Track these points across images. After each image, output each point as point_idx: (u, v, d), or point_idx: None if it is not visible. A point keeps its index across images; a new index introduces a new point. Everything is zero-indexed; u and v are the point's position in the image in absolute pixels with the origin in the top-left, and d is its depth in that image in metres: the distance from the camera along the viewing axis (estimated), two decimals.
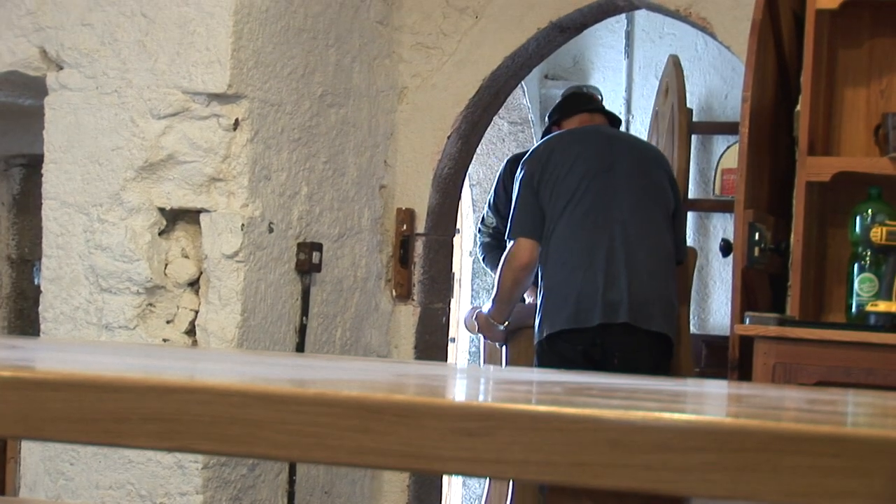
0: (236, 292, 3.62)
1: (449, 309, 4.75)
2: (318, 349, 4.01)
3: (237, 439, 1.03)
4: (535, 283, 4.38)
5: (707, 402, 1.49)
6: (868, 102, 3.93)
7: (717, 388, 1.86)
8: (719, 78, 6.53)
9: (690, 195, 6.31)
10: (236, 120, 3.64)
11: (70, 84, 3.75)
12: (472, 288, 6.90)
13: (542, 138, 4.66)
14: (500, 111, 5.59)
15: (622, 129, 5.52)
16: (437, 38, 4.42)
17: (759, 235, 3.63)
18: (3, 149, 4.62)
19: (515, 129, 6.90)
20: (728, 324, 3.85)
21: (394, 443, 0.99)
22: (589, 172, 4.25)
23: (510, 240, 4.35)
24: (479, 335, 5.10)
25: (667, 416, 0.95)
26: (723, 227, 6.46)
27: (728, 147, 6.43)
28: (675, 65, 6.00)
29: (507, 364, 4.86)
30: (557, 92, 6.54)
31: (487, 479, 5.25)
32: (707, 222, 6.59)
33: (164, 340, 3.64)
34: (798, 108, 3.83)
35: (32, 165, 4.44)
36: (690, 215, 6.36)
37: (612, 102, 6.48)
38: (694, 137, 6.29)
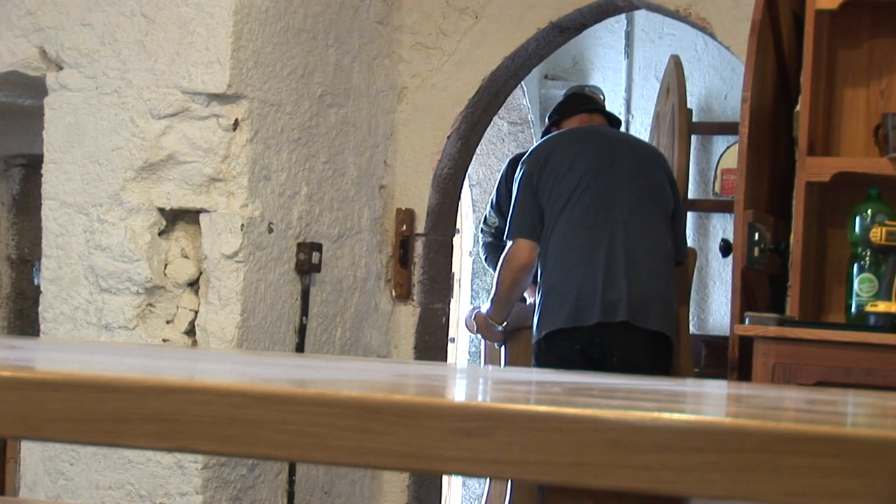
0: (236, 292, 3.62)
1: (449, 309, 4.75)
2: (318, 349, 4.01)
3: (237, 439, 1.03)
4: (535, 282, 4.38)
5: (707, 402, 1.49)
6: (868, 103, 3.93)
7: (716, 389, 1.86)
8: (719, 78, 6.54)
9: (690, 195, 6.31)
10: (236, 120, 3.64)
11: (70, 84, 3.75)
12: (471, 288, 6.90)
13: (541, 138, 4.66)
14: (500, 111, 5.59)
15: (622, 129, 5.52)
16: (436, 38, 4.42)
17: (759, 236, 3.63)
18: (3, 149, 4.62)
19: (515, 130, 6.90)
20: (728, 324, 3.85)
21: (393, 443, 0.99)
22: (589, 171, 4.25)
23: (509, 240, 4.35)
24: (479, 335, 5.10)
25: (666, 416, 0.95)
26: (722, 227, 6.46)
27: (728, 147, 6.43)
28: (676, 65, 6.00)
29: (505, 364, 4.86)
30: (557, 92, 6.55)
31: (488, 480, 5.25)
32: (707, 222, 6.59)
33: (164, 340, 3.64)
34: (798, 108, 3.83)
35: (32, 165, 4.44)
36: (690, 215, 6.36)
37: (612, 103, 6.48)
38: (694, 137, 6.29)
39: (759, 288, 3.76)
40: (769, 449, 0.91)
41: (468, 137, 4.54)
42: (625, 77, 6.78)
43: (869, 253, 3.67)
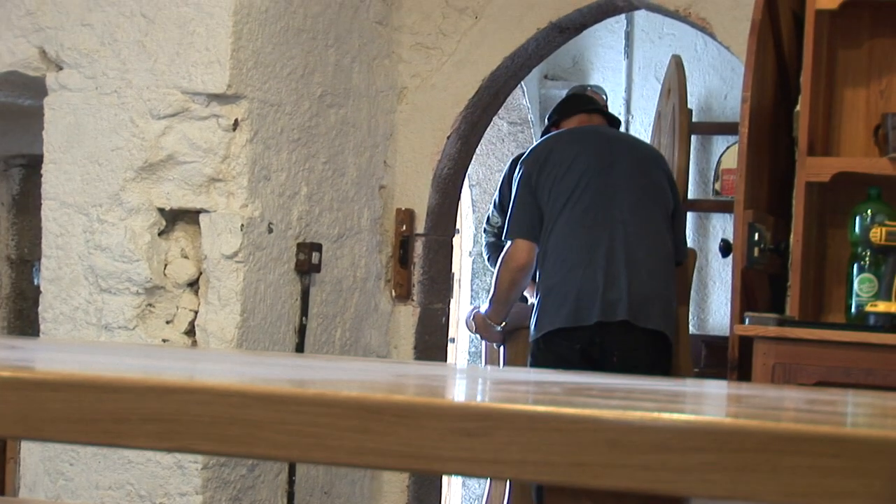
0: (236, 293, 3.62)
1: (448, 309, 4.75)
2: (318, 349, 4.01)
3: (237, 440, 1.03)
4: (535, 281, 4.38)
5: (706, 402, 1.49)
6: (868, 103, 3.93)
7: (716, 389, 1.86)
8: (719, 78, 6.54)
9: (690, 195, 6.31)
10: (236, 120, 3.64)
11: (70, 84, 3.75)
12: (471, 288, 6.90)
13: (540, 138, 4.66)
14: (500, 111, 5.59)
15: (621, 129, 5.52)
16: (436, 38, 4.42)
17: (759, 236, 3.63)
18: (3, 149, 4.62)
19: (515, 130, 6.90)
20: (727, 324, 3.85)
21: (393, 443, 0.99)
22: (588, 171, 4.25)
23: (507, 240, 4.35)
24: (479, 335, 5.11)
25: (666, 416, 0.95)
26: (722, 227, 6.46)
27: (728, 147, 6.43)
28: (677, 65, 6.00)
29: (505, 364, 4.86)
30: (557, 92, 6.55)
31: (488, 480, 5.25)
32: (707, 222, 6.59)
33: (164, 341, 3.64)
34: (798, 108, 3.83)
35: (32, 166, 4.44)
36: (690, 215, 6.36)
37: (612, 103, 6.48)
38: (693, 137, 6.29)
39: (759, 288, 3.76)
40: (769, 449, 0.91)
41: (468, 137, 4.54)
42: (624, 77, 6.79)
43: (869, 253, 3.67)
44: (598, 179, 4.25)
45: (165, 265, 3.68)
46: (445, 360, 4.90)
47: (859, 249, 3.71)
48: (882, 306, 3.56)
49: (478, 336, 5.31)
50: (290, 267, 3.86)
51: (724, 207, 6.22)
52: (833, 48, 3.92)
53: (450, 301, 4.79)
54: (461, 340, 6.77)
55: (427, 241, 4.47)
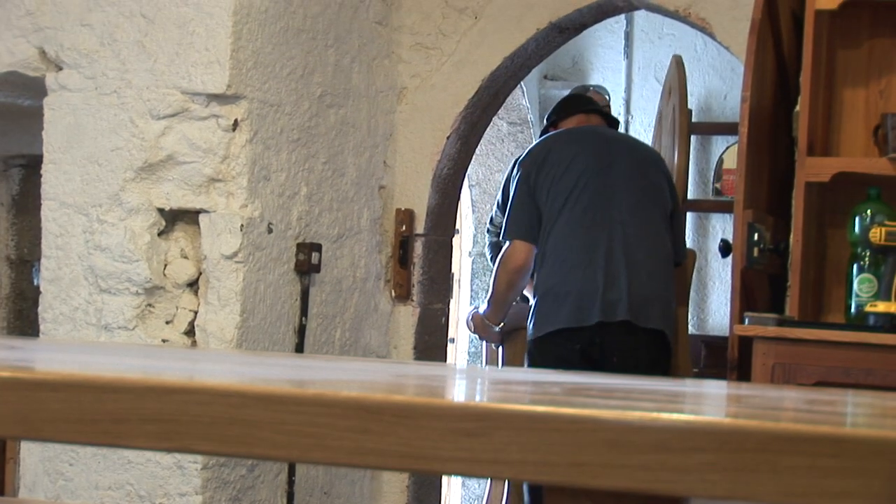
0: (235, 293, 3.62)
1: (448, 309, 4.75)
2: (318, 350, 4.01)
3: (236, 440, 1.03)
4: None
5: (706, 402, 1.49)
6: (867, 103, 3.93)
7: (715, 389, 1.86)
8: (718, 78, 6.54)
9: (690, 195, 6.31)
10: (235, 120, 3.64)
11: (69, 84, 3.75)
12: (471, 288, 6.90)
13: (539, 139, 4.66)
14: (500, 112, 5.59)
15: (620, 129, 5.52)
16: (436, 38, 4.42)
17: (759, 236, 3.63)
18: (3, 149, 4.62)
19: (515, 130, 6.90)
20: (727, 324, 3.85)
21: (393, 443, 0.99)
22: (587, 171, 4.25)
23: (505, 241, 4.35)
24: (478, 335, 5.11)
25: (665, 416, 0.95)
26: (722, 227, 6.46)
27: (727, 147, 6.44)
28: (678, 65, 6.00)
29: (503, 365, 4.86)
30: (557, 92, 6.55)
31: (489, 480, 5.25)
32: (706, 223, 6.59)
33: (164, 341, 3.64)
34: (797, 108, 3.83)
35: (31, 166, 4.44)
36: (690, 215, 6.36)
37: (612, 103, 6.48)
38: (693, 138, 6.29)
39: (758, 288, 3.76)
40: (768, 449, 0.91)
41: (468, 138, 4.54)
42: (624, 77, 6.79)
43: (868, 253, 3.67)
44: (596, 180, 4.25)
45: (165, 265, 3.68)
46: (445, 361, 4.90)
47: (859, 249, 3.71)
48: (882, 306, 3.56)
49: (477, 336, 5.31)
50: (290, 267, 3.86)
51: (724, 207, 6.22)
52: (832, 48, 3.92)
53: (449, 301, 4.79)
54: (461, 340, 6.77)
55: (427, 241, 4.47)
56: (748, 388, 2.16)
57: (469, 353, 6.78)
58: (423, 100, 4.43)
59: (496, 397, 1.27)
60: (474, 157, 4.97)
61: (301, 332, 3.90)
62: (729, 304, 3.83)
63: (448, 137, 4.43)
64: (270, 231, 3.75)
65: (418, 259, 4.46)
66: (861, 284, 3.68)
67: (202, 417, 1.04)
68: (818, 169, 3.72)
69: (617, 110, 6.51)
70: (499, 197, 5.29)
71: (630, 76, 6.79)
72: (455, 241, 5.23)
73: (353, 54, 4.16)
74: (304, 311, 3.91)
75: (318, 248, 3.94)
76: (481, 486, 6.28)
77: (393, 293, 4.42)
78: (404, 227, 4.41)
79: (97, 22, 3.72)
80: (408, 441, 0.99)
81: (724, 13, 4.11)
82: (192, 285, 3.67)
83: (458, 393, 1.42)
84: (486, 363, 5.35)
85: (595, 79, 6.76)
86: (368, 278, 4.29)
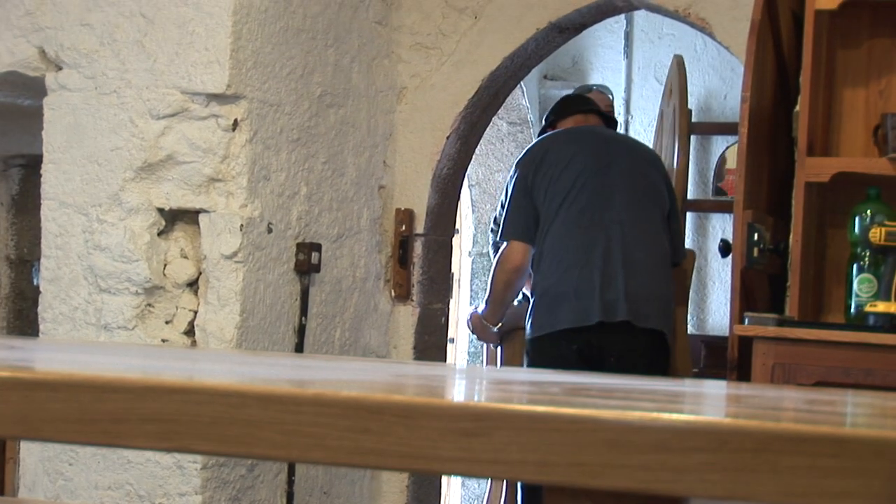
0: (235, 293, 3.62)
1: (448, 309, 4.75)
2: (317, 349, 4.01)
3: (236, 440, 1.03)
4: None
5: (706, 402, 1.49)
6: (867, 103, 3.93)
7: (715, 389, 1.86)
8: (718, 78, 6.54)
9: (690, 195, 6.31)
10: (235, 120, 3.64)
11: (69, 84, 3.75)
12: (471, 288, 6.90)
13: (537, 139, 4.66)
14: (500, 111, 5.59)
15: (619, 130, 5.52)
16: (436, 38, 4.42)
17: (758, 236, 3.63)
18: (2, 149, 4.62)
19: (514, 130, 6.90)
20: (727, 324, 3.85)
21: (392, 443, 0.99)
22: (585, 171, 4.25)
23: (502, 241, 4.35)
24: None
25: (665, 416, 0.95)
26: (722, 227, 6.46)
27: (727, 147, 6.44)
28: (678, 65, 6.00)
29: (502, 365, 4.86)
30: (556, 92, 6.55)
31: (489, 481, 5.25)
32: (706, 223, 6.59)
33: (163, 341, 3.64)
34: (797, 108, 3.83)
35: (31, 166, 4.44)
36: (690, 215, 6.36)
37: (613, 103, 6.48)
38: (693, 138, 6.29)
39: (758, 288, 3.76)
40: (768, 449, 0.91)
41: (467, 138, 4.54)
42: (624, 77, 6.79)
43: (868, 253, 3.67)
44: (594, 180, 4.24)
45: (165, 265, 3.68)
46: (445, 361, 4.90)
47: (859, 249, 3.71)
48: (881, 306, 3.56)
49: (476, 337, 5.31)
50: (290, 267, 3.86)
51: (724, 207, 6.22)
52: (832, 48, 3.92)
53: (449, 301, 4.79)
54: (461, 340, 6.77)
55: (426, 241, 4.47)
56: (748, 388, 2.16)
57: (469, 353, 6.78)
58: (422, 100, 4.43)
59: (496, 397, 1.27)
60: (474, 157, 4.97)
61: (301, 331, 3.90)
62: (729, 304, 3.83)
63: (448, 137, 4.43)
64: (270, 231, 3.75)
65: (418, 259, 4.46)
66: (861, 284, 3.68)
67: (202, 417, 1.04)
68: (818, 169, 3.72)
69: (617, 110, 6.51)
70: (502, 198, 5.29)
71: (630, 76, 6.79)
72: (455, 241, 5.23)
73: (352, 54, 4.16)
74: (303, 310, 3.91)
75: (317, 247, 3.94)
76: (481, 486, 6.28)
77: (393, 293, 4.42)
78: (404, 227, 4.41)
79: (97, 22, 3.72)
80: (407, 441, 0.99)
81: (724, 13, 4.11)
82: (192, 285, 3.67)
83: (457, 393, 1.42)
84: (487, 363, 5.35)
85: (595, 79, 6.76)
86: (368, 278, 4.29)
